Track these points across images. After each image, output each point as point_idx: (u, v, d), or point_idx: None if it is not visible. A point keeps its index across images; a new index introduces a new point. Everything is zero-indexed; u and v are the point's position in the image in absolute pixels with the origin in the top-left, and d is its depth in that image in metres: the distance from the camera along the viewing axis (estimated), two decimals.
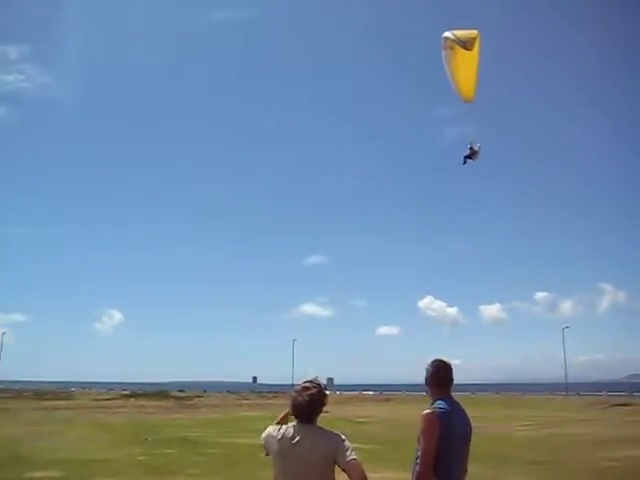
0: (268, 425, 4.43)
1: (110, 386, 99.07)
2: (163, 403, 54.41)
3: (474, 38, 15.10)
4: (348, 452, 3.87)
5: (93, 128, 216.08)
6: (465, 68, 15.99)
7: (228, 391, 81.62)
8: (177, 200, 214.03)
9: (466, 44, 15.35)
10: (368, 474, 3.80)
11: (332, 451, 3.90)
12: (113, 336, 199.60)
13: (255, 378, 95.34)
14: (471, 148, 18.33)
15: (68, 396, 64.65)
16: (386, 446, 20.17)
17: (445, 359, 5.14)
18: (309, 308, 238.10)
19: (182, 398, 61.41)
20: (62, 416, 36.57)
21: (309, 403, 4.13)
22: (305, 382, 4.27)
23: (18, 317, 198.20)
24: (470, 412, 5.04)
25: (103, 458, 17.25)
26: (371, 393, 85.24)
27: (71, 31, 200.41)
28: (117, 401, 56.67)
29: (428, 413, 4.74)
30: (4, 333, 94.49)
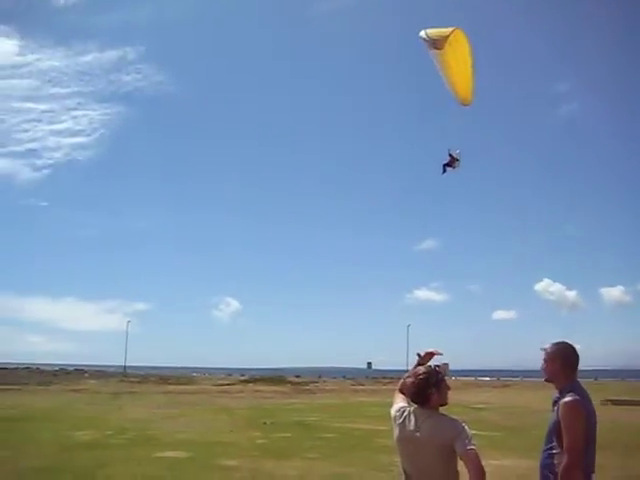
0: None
1: (229, 371, 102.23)
2: (280, 388, 55.57)
3: (446, 36, 14.50)
4: (467, 440, 3.81)
5: (205, 122, 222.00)
6: (458, 68, 15.39)
7: (343, 377, 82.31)
8: (291, 186, 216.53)
9: (436, 43, 14.81)
10: (486, 461, 3.74)
11: (451, 438, 3.85)
12: (231, 324, 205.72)
13: (370, 364, 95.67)
14: (450, 155, 17.25)
15: (190, 381, 67.20)
16: (504, 433, 19.78)
17: (569, 342, 4.79)
18: (423, 293, 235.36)
19: (298, 383, 62.55)
20: (185, 400, 38.11)
21: (418, 385, 4.12)
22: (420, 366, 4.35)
23: (141, 306, 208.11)
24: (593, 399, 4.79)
25: (225, 440, 17.86)
26: (487, 379, 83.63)
27: (183, 30, 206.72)
28: (236, 386, 58.31)
29: (573, 401, 4.41)
30: (129, 321, 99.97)
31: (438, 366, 4.30)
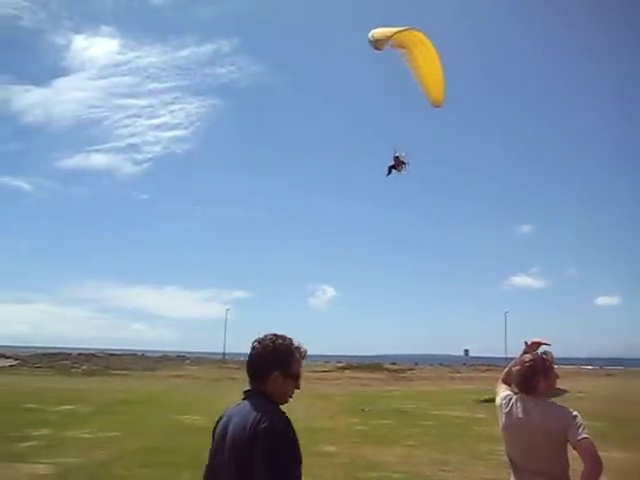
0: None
1: (326, 359, 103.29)
2: (377, 375, 55.64)
3: (387, 37, 13.76)
4: (580, 429, 3.67)
5: (299, 111, 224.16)
6: (428, 69, 14.73)
7: (440, 364, 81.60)
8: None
9: (376, 43, 14.21)
10: None
11: (563, 426, 3.73)
12: (327, 311, 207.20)
13: (467, 351, 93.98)
14: (397, 157, 16.21)
15: None
16: (607, 423, 19.02)
17: None
18: (521, 279, 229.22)
19: (395, 370, 62.46)
20: None
21: (523, 373, 4.03)
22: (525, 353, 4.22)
23: (240, 294, 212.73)
24: None
25: (325, 427, 18.06)
26: (590, 367, 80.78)
27: (276, 21, 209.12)
28: (333, 373, 58.84)
29: None
30: (228, 309, 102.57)
31: (545, 354, 4.17)
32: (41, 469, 11.08)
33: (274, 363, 3.21)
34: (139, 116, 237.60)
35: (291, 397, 3.30)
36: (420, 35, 15.64)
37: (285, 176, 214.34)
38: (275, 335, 3.32)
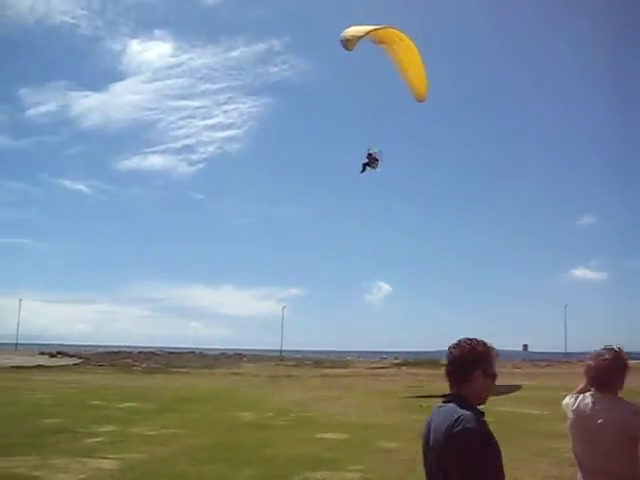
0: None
1: (382, 355, 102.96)
2: (434, 371, 55.09)
3: (358, 36, 14.80)
4: None
5: (350, 109, 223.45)
6: (411, 65, 15.73)
7: (499, 359, 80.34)
8: (442, 166, 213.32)
9: (346, 44, 15.10)
10: None
11: (635, 425, 3.65)
12: (382, 307, 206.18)
13: (526, 346, 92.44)
14: (370, 155, 15.94)
15: (345, 364, 68.25)
16: None
17: None
18: (581, 272, 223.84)
19: None
20: (341, 383, 38.82)
21: (603, 369, 3.92)
22: (602, 348, 4.08)
23: (295, 291, 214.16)
24: None
25: (382, 423, 18.03)
26: None
27: (327, 17, 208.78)
28: (390, 369, 58.58)
29: None
30: (284, 307, 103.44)
31: (620, 348, 4.05)
32: (107, 464, 11.39)
33: (475, 363, 3.28)
34: (193, 117, 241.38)
35: (487, 398, 3.34)
36: (399, 33, 15.98)
37: (339, 173, 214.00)
38: (468, 338, 3.40)
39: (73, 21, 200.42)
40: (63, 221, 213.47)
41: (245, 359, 76.27)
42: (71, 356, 69.34)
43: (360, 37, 15.41)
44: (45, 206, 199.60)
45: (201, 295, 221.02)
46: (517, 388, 32.22)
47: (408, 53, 16.03)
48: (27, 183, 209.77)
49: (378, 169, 16.76)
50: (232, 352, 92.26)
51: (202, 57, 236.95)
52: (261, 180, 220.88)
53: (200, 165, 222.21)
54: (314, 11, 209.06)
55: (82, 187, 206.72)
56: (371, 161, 16.66)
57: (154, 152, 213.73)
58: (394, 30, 15.48)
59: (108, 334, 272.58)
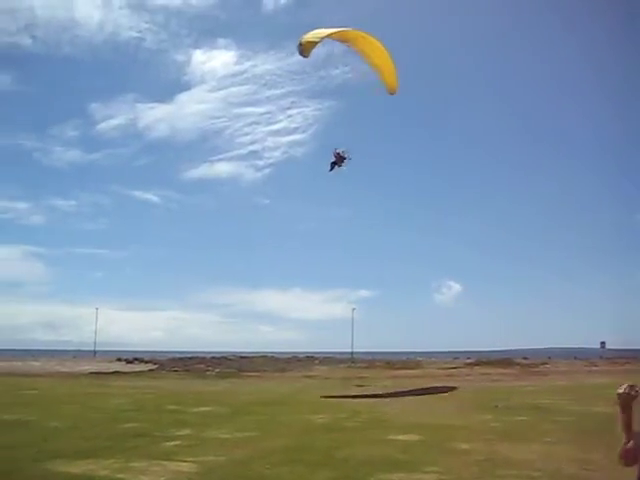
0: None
1: (454, 355, 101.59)
2: (508, 370, 54.17)
3: (314, 42, 15.61)
4: None
5: (411, 107, 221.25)
6: (381, 61, 16.61)
7: (575, 357, 78.26)
8: (513, 161, 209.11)
9: (303, 51, 16.08)
10: None
11: None
12: (453, 306, 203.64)
13: (603, 343, 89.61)
14: (337, 154, 16.06)
15: (416, 365, 67.66)
16: None
17: None
18: None
19: (527, 365, 60.47)
20: (413, 384, 38.46)
21: None
22: None
23: (365, 293, 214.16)
24: None
25: (456, 424, 17.81)
26: None
27: (386, 18, 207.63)
28: (462, 369, 57.75)
29: None
30: (354, 309, 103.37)
31: None
32: (185, 467, 11.63)
33: None
34: (258, 123, 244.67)
35: None
36: (359, 32, 16.35)
37: (406, 173, 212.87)
38: None
39: (138, 35, 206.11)
40: (134, 231, 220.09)
41: (317, 362, 76.58)
42: (146, 362, 71.06)
43: (315, 43, 16.15)
44: (117, 217, 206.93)
45: (271, 299, 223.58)
46: (449, 389, 32.88)
47: (374, 50, 16.61)
48: (99, 195, 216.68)
49: (344, 167, 17.40)
50: (303, 355, 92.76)
51: (265, 63, 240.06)
52: (327, 183, 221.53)
53: (266, 170, 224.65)
54: (372, 11, 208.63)
55: (152, 197, 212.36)
56: (338, 160, 17.27)
57: (221, 159, 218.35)
58: (355, 30, 16.21)
59: (181, 340, 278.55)
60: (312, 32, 16.51)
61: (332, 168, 17.39)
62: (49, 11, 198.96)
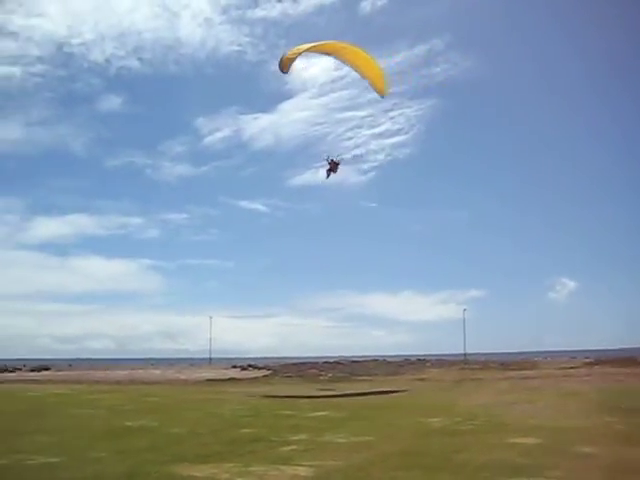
0: None
1: (571, 354, 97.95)
2: (632, 370, 51.60)
3: (288, 58, 17.01)
4: None
5: (515, 103, 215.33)
6: (367, 68, 17.91)
7: None
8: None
9: (283, 68, 17.28)
10: None
11: None
12: (568, 304, 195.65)
13: None
14: (332, 161, 18.01)
15: (532, 365, 65.77)
16: None
17: None
18: None
19: None
20: (529, 385, 37.37)
21: None
22: None
23: (475, 293, 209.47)
24: None
25: (577, 426, 17.17)
26: None
27: (487, 10, 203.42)
28: (581, 369, 55.71)
29: None
30: (465, 309, 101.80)
31: None
32: (302, 471, 11.79)
33: None
34: (360, 127, 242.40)
35: None
36: (340, 44, 16.97)
37: (513, 170, 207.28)
38: None
39: (239, 49, 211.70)
40: (243, 240, 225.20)
41: (429, 364, 75.90)
42: (260, 368, 72.71)
43: (293, 59, 17.29)
44: (225, 227, 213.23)
45: (380, 303, 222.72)
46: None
47: (359, 58, 17.52)
48: (208, 207, 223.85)
49: (338, 172, 18.54)
50: (415, 358, 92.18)
51: None
52: (431, 184, 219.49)
53: (371, 174, 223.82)
54: (472, 5, 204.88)
55: (259, 206, 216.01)
56: (333, 167, 18.26)
57: (325, 165, 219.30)
58: (336, 42, 17.25)
59: (293, 346, 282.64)
60: (294, 48, 17.70)
61: (328, 175, 18.56)
62: (154, 33, 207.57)
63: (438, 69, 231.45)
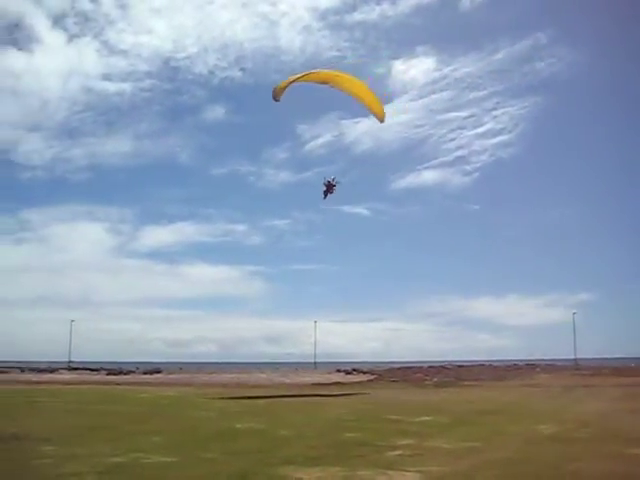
0: None
1: None
2: None
3: (280, 88, 18.71)
4: None
5: (621, 94, 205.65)
6: (363, 95, 18.87)
7: None
8: None
9: (275, 97, 18.56)
10: None
11: None
12: None
13: None
14: (328, 183, 19.81)
15: None
16: None
17: None
18: None
19: None
20: None
21: None
22: None
23: (585, 296, 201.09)
24: None
25: None
26: None
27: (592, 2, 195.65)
28: None
29: None
30: (574, 313, 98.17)
31: None
32: (409, 476, 11.78)
33: None
34: (463, 127, 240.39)
35: None
36: (332, 72, 17.52)
37: (624, 167, 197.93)
38: None
39: (339, 54, 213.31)
40: (347, 244, 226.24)
41: (538, 369, 73.79)
42: (365, 373, 72.80)
43: (284, 88, 18.29)
44: (329, 232, 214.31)
45: (486, 306, 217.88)
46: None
47: (354, 86, 18.18)
48: (311, 212, 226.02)
49: (334, 192, 19.57)
50: (523, 363, 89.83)
51: (465, 66, 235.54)
52: (537, 184, 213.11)
53: (475, 175, 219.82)
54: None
55: (361, 210, 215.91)
56: (329, 188, 19.68)
57: (427, 167, 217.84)
58: (328, 71, 18.02)
59: (397, 350, 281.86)
60: (283, 80, 18.96)
61: (325, 196, 19.96)
62: (255, 43, 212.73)
63: (542, 64, 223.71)
